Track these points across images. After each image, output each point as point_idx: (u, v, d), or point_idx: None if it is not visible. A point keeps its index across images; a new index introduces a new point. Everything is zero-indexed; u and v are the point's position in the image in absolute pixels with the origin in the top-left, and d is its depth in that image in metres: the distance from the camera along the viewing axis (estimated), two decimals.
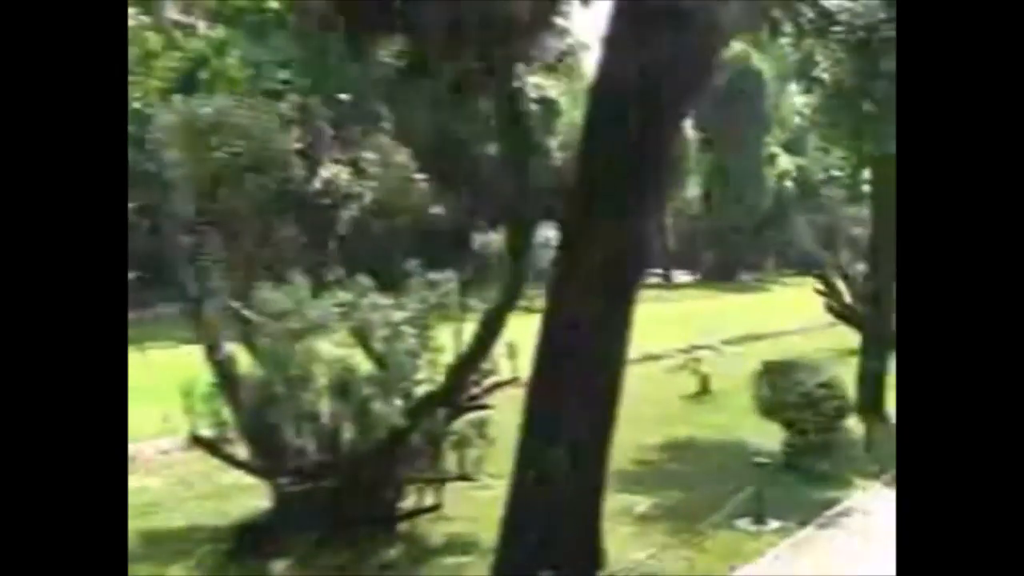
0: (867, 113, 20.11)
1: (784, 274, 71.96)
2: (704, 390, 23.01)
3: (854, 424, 17.91)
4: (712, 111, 69.89)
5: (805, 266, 36.07)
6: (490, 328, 11.04)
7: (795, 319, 39.25)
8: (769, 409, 15.95)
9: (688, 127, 73.41)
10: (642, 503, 14.04)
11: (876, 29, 20.15)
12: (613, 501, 13.92)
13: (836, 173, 23.14)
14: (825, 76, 21.59)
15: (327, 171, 49.72)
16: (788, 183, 72.43)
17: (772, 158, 71.91)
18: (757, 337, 36.33)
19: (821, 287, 31.87)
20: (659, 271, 76.22)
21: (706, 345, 25.57)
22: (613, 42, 10.04)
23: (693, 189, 75.63)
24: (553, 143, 45.92)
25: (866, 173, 21.84)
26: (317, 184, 46.47)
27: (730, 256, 74.27)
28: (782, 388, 15.61)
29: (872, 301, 21.61)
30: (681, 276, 74.96)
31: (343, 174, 49.56)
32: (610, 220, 9.89)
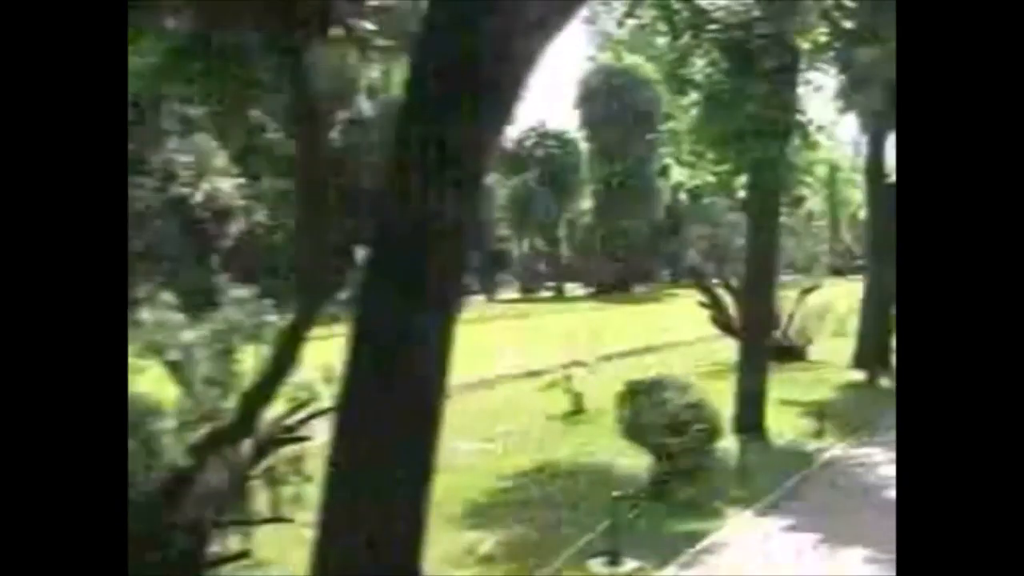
0: (743, 115, 19.07)
1: (677, 285, 71.48)
2: (577, 409, 21.68)
3: (731, 445, 16.79)
4: (602, 121, 69.54)
5: (696, 277, 35.36)
6: (286, 351, 9.57)
7: (684, 332, 38.39)
8: (633, 432, 14.67)
9: (580, 137, 73.19)
10: (488, 541, 12.67)
11: (751, 27, 19.18)
12: (457, 539, 12.63)
13: (710, 180, 21.94)
14: (699, 78, 20.57)
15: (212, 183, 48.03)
16: (682, 194, 71.93)
17: (665, 169, 71.27)
18: (643, 351, 35.37)
19: (704, 299, 31.10)
20: (551, 283, 75.60)
21: (579, 361, 24.30)
22: (429, 25, 8.78)
23: (586, 200, 75.08)
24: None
25: (742, 179, 20.64)
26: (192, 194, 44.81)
27: (623, 268, 73.54)
28: (647, 410, 14.34)
29: (747, 314, 20.55)
30: (574, 288, 74.27)
31: (224, 186, 47.94)
32: (420, 225, 8.57)
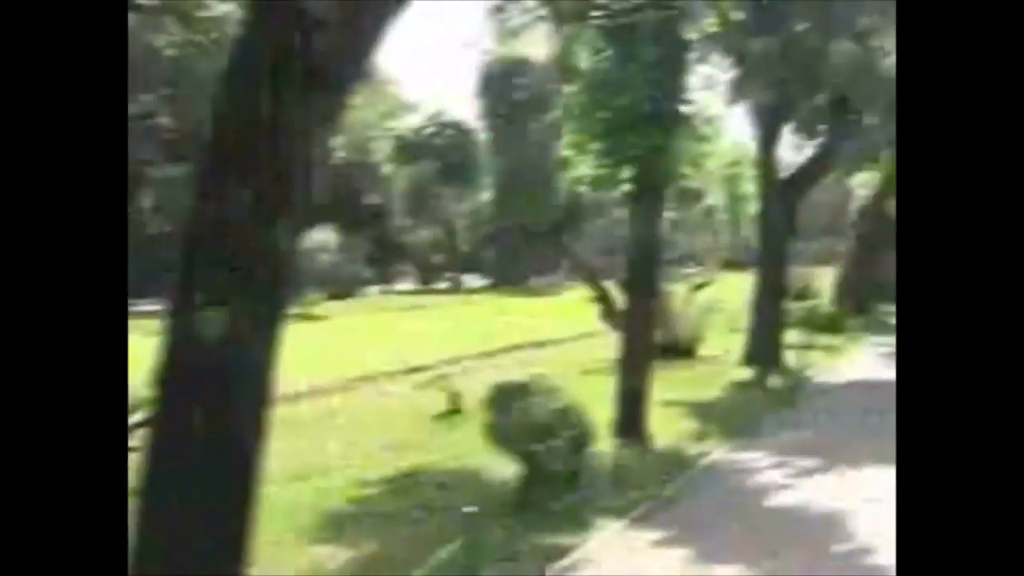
0: (625, 106, 18.40)
1: (577, 279, 71.03)
2: (454, 409, 20.83)
3: (608, 449, 16.06)
4: (500, 112, 68.88)
5: (585, 271, 34.76)
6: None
7: (578, 327, 37.74)
8: (499, 437, 13.86)
9: (480, 127, 72.50)
10: (337, 558, 11.79)
11: (637, 14, 18.48)
12: (305, 556, 11.78)
13: (598, 172, 21.20)
14: (584, 66, 19.87)
15: None
16: (581, 187, 71.52)
17: (565, 160, 70.88)
18: (536, 344, 34.74)
19: (595, 294, 30.45)
20: (450, 274, 74.83)
21: (457, 358, 23.53)
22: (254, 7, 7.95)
23: (485, 191, 74.38)
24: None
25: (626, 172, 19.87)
26: None
27: (521, 260, 72.98)
28: (512, 414, 13.55)
29: (628, 310, 19.87)
30: (472, 280, 73.57)
31: None
32: (236, 219, 7.74)
